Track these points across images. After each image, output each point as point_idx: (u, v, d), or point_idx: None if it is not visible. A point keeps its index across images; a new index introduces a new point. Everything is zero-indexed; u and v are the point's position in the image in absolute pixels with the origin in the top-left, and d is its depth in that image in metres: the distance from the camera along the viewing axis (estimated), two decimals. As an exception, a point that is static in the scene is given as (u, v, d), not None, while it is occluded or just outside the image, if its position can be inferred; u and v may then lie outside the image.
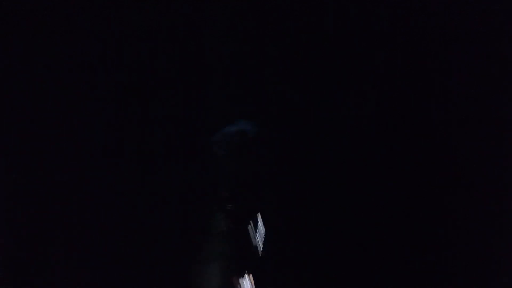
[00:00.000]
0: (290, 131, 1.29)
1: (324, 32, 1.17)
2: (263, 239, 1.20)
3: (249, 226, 1.20)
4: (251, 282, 1.14)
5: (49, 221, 0.77)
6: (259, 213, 1.20)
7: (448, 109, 1.05)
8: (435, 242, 1.11)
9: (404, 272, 1.27)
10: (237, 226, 1.17)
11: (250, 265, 1.12)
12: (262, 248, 1.19)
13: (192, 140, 0.80)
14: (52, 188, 0.79)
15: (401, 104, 1.10)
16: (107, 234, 0.72)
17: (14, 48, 0.73)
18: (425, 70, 1.07)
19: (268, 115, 1.13)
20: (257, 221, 1.23)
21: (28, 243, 0.76)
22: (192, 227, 0.82)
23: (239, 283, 1.14)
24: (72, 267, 0.80)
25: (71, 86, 0.82)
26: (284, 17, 1.22)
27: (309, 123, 1.30)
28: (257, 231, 1.24)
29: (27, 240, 0.76)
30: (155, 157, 0.76)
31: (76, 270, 0.80)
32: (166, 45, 1.25)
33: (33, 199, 0.76)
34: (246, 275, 1.16)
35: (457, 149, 1.01)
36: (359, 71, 1.13)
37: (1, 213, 0.72)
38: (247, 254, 1.16)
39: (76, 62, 0.83)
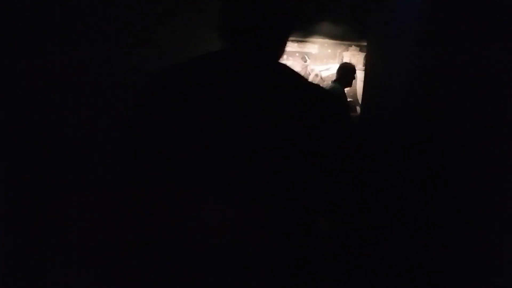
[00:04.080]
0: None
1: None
2: None
3: None
4: None
5: (49, 220, 0.76)
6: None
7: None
8: (438, 243, 1.14)
9: (406, 272, 1.30)
10: None
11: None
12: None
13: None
14: (52, 187, 0.79)
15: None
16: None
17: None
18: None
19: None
20: None
21: (28, 243, 0.76)
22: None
23: None
24: (72, 267, 0.81)
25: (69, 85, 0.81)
26: None
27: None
28: None
29: (28, 240, 0.75)
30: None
31: (76, 270, 0.81)
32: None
33: (33, 198, 0.75)
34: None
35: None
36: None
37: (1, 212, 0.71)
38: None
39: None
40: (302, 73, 4.69)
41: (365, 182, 1.95)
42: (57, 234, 0.77)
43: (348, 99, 4.62)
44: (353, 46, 4.55)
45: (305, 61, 4.62)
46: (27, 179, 0.73)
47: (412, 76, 1.52)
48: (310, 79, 4.65)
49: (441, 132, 1.20)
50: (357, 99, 4.66)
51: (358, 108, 4.63)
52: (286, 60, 4.59)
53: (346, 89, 4.53)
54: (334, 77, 4.53)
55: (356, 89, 4.63)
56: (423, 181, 1.30)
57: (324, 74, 4.64)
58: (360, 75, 4.54)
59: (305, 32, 4.59)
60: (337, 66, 4.51)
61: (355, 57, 4.56)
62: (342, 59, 4.58)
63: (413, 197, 1.37)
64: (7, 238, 0.69)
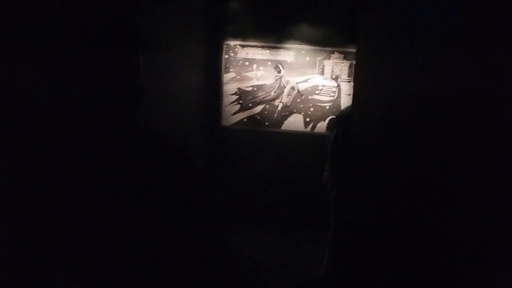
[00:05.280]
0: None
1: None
2: None
3: None
4: None
5: (48, 221, 0.72)
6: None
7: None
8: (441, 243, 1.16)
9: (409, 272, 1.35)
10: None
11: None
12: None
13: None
14: (51, 188, 0.74)
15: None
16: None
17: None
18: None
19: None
20: None
21: (27, 243, 0.74)
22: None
23: None
24: (72, 267, 0.75)
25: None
26: None
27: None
28: None
29: (27, 240, 0.74)
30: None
31: (76, 271, 0.76)
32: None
33: (32, 199, 0.73)
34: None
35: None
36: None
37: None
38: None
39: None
40: (276, 86, 4.11)
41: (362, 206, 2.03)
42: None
43: (331, 117, 3.90)
44: (336, 53, 3.85)
45: (279, 71, 3.89)
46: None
47: (414, 90, 1.43)
48: (286, 92, 3.91)
49: (442, 159, 1.20)
50: (342, 116, 3.94)
51: (343, 127, 3.92)
52: (256, 70, 3.86)
53: (328, 104, 3.94)
54: (314, 90, 3.97)
55: (340, 105, 3.91)
56: (413, 208, 1.36)
57: (302, 86, 3.91)
58: (344, 87, 3.88)
59: (278, 36, 3.87)
60: (316, 77, 3.95)
61: (338, 66, 3.86)
62: (323, 69, 3.87)
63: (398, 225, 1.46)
64: (7, 238, 0.72)
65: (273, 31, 3.87)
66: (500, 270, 0.88)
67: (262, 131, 4.00)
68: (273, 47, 3.88)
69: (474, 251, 0.99)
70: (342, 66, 3.87)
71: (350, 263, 2.06)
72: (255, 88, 3.94)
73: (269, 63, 3.90)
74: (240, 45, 3.90)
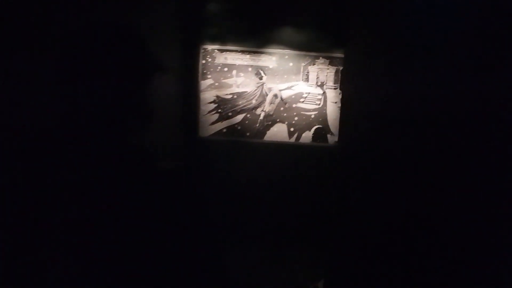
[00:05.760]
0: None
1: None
2: None
3: None
4: None
5: (46, 221, 0.74)
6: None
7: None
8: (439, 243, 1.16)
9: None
10: None
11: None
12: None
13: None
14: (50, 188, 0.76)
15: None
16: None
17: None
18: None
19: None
20: None
21: (25, 243, 0.74)
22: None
23: None
24: (71, 267, 0.75)
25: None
26: None
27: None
28: None
29: (25, 241, 0.74)
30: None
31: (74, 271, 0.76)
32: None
33: (30, 199, 0.73)
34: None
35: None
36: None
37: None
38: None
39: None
40: (258, 93, 3.86)
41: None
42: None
43: (316, 126, 3.68)
44: (321, 58, 3.64)
45: (261, 78, 3.64)
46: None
47: (405, 95, 1.41)
48: (268, 100, 3.66)
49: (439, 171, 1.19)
50: (328, 125, 3.72)
51: (329, 137, 3.70)
52: (236, 76, 3.60)
53: (313, 113, 3.72)
54: (298, 98, 3.75)
55: (326, 113, 3.69)
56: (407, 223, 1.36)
57: (285, 94, 3.67)
58: (330, 94, 3.66)
59: (259, 40, 3.63)
60: (301, 84, 3.73)
61: (324, 72, 3.64)
62: (307, 75, 3.64)
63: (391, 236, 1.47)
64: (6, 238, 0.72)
65: (254, 35, 3.63)
66: (500, 270, 0.89)
67: (243, 142, 3.74)
68: (254, 52, 3.64)
69: (474, 254, 1.01)
70: (328, 72, 3.65)
71: (353, 278, 1.97)
72: (235, 96, 3.68)
73: (250, 69, 3.65)
74: (219, 50, 3.63)
